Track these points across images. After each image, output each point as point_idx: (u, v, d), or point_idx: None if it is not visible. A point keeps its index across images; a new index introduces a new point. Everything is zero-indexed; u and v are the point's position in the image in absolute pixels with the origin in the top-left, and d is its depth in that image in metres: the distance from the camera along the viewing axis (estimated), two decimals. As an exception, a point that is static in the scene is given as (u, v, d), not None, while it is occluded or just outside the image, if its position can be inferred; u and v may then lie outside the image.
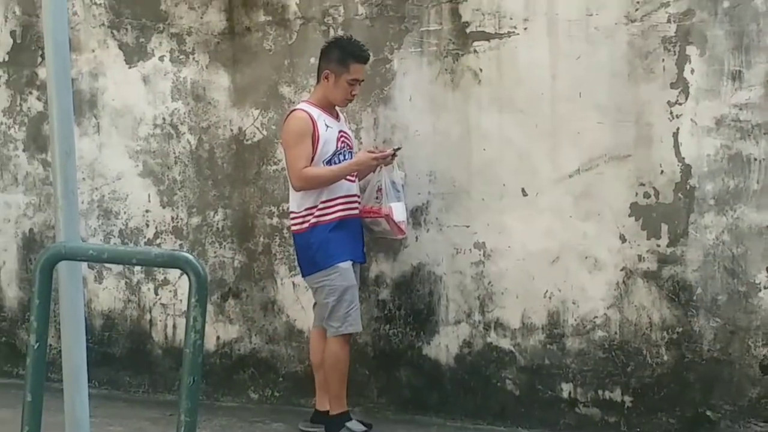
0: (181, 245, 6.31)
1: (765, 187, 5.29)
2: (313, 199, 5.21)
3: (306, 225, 5.23)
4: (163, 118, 6.47)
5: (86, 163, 6.48)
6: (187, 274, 3.68)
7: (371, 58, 5.55)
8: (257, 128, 6.30)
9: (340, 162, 5.27)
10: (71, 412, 4.14)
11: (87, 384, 4.23)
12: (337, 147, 5.28)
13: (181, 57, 6.46)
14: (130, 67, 6.56)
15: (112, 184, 6.53)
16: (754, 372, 5.35)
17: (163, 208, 6.39)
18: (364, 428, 5.40)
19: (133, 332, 6.54)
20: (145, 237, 6.43)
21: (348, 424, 5.35)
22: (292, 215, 5.35)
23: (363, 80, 5.42)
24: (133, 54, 6.54)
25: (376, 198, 5.45)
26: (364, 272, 5.73)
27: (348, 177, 5.33)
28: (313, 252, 5.25)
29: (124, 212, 6.50)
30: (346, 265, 5.24)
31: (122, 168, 6.51)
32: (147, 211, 6.43)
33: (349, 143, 5.43)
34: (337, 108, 5.42)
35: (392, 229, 5.38)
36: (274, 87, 6.20)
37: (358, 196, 5.43)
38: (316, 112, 5.21)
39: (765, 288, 5.30)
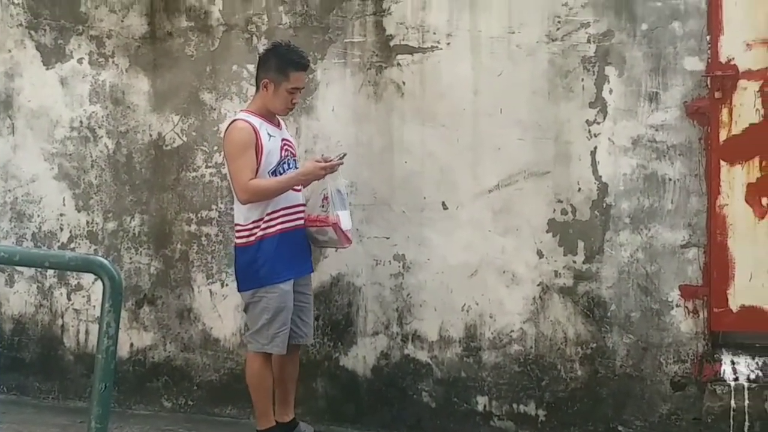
0: (96, 250, 6.22)
1: (679, 207, 5.42)
2: (260, 212, 5.11)
3: (253, 239, 5.12)
4: (81, 121, 6.38)
5: (0, 164, 6.52)
6: (102, 279, 3.61)
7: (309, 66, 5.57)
8: (177, 134, 6.25)
9: (285, 171, 5.19)
10: None
11: None
12: (281, 156, 5.20)
13: (100, 60, 6.40)
14: (47, 69, 6.49)
15: (26, 187, 6.45)
16: (665, 388, 5.46)
17: (79, 212, 6.32)
18: None
19: (44, 337, 6.45)
20: (59, 241, 6.35)
21: None
22: (237, 228, 5.25)
23: (303, 88, 5.38)
24: (51, 55, 6.46)
25: (322, 206, 5.32)
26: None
27: (294, 186, 5.25)
28: (257, 267, 5.13)
29: (38, 215, 6.43)
30: (288, 286, 5.16)
31: (37, 170, 6.45)
32: (62, 214, 6.36)
33: (293, 151, 5.36)
34: (276, 116, 5.35)
35: (339, 238, 5.30)
36: (195, 93, 6.17)
37: (304, 206, 5.38)
38: (257, 122, 5.11)
39: (677, 306, 5.42)
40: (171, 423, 5.88)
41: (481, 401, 5.70)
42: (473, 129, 5.64)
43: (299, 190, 5.28)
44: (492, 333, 5.67)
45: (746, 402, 5.29)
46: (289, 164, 5.22)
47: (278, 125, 5.28)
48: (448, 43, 5.65)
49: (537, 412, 5.60)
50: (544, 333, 5.57)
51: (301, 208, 5.30)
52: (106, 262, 3.86)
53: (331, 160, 5.26)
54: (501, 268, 5.60)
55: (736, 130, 5.38)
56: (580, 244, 5.53)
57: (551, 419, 5.58)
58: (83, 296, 6.35)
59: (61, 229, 6.36)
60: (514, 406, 5.63)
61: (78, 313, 6.36)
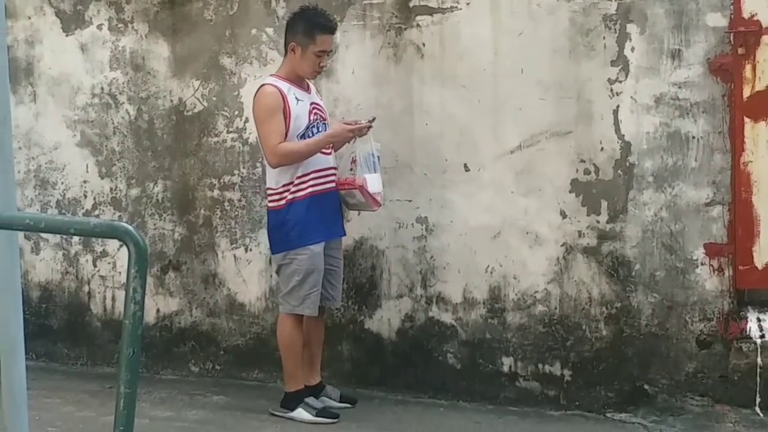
0: (120, 217, 6.28)
1: (702, 165, 5.43)
2: (290, 175, 5.19)
3: (283, 202, 5.21)
4: (102, 88, 6.42)
5: (22, 132, 6.43)
6: (127, 245, 3.62)
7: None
8: (198, 99, 6.28)
9: (314, 135, 5.26)
10: (8, 384, 4.12)
11: (24, 356, 4.26)
12: (309, 120, 5.26)
13: (119, 26, 6.41)
14: (67, 35, 6.49)
15: (49, 154, 6.51)
16: (690, 347, 5.49)
17: (102, 179, 6.38)
18: (321, 406, 5.45)
19: (70, 304, 6.52)
20: (83, 208, 6.42)
21: (308, 400, 5.45)
22: (268, 191, 5.35)
23: (331, 51, 5.43)
24: (71, 22, 6.48)
25: (350, 169, 5.41)
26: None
27: (323, 150, 5.30)
28: (287, 230, 5.22)
29: (62, 182, 6.50)
30: (318, 248, 5.23)
31: (59, 138, 6.49)
32: (85, 181, 6.42)
33: (323, 115, 5.40)
34: (306, 80, 5.39)
35: (367, 200, 5.36)
36: (214, 58, 6.20)
37: (335, 169, 5.43)
38: (285, 86, 5.17)
39: (702, 264, 5.44)
40: (198, 387, 5.94)
41: (507, 362, 5.75)
42: (494, 90, 5.65)
43: (329, 153, 5.33)
44: (516, 294, 5.71)
45: None
46: (318, 128, 5.26)
47: (307, 89, 5.32)
48: (468, 3, 5.63)
49: (562, 372, 5.65)
50: (569, 293, 5.61)
51: (331, 172, 5.36)
52: (130, 228, 3.86)
53: (359, 123, 5.33)
54: (524, 230, 5.62)
55: (760, 86, 5.36)
56: (604, 204, 5.54)
57: (576, 379, 5.63)
58: (109, 263, 6.43)
59: (85, 197, 6.42)
60: (540, 366, 5.68)
61: (104, 280, 6.44)
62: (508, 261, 5.71)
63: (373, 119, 5.30)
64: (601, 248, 5.54)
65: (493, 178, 5.70)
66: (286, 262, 5.20)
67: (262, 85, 5.21)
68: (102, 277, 6.45)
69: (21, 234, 5.47)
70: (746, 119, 5.29)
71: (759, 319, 5.39)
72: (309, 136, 5.20)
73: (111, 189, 6.36)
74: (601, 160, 5.50)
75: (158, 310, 6.30)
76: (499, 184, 5.67)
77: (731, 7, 5.30)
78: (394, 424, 5.40)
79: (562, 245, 5.59)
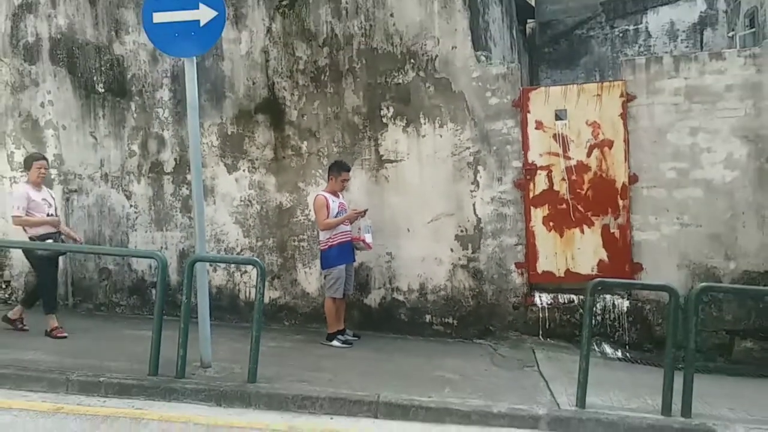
0: (252, 255, 6.41)
1: (513, 227, 6.15)
2: (330, 234, 5.60)
3: (326, 246, 5.63)
4: (242, 199, 6.56)
5: (218, 221, 6.59)
6: (256, 267, 4.62)
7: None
8: (289, 201, 6.53)
9: (340, 216, 5.63)
10: (203, 332, 4.93)
11: (209, 321, 4.85)
12: (339, 210, 5.64)
13: (252, 169, 6.59)
14: (230, 174, 6.63)
15: (220, 227, 6.63)
16: (510, 309, 6.18)
17: (244, 238, 6.56)
18: (344, 338, 5.66)
19: (230, 295, 6.58)
20: (234, 252, 6.56)
21: (339, 336, 5.70)
22: (320, 241, 5.68)
23: (348, 179, 5.83)
24: (231, 168, 6.69)
25: (358, 231, 5.74)
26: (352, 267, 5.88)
27: (345, 223, 5.66)
28: (329, 259, 5.62)
29: (225, 241, 6.61)
30: (342, 267, 5.63)
31: (225, 220, 6.63)
32: (236, 239, 6.58)
33: (345, 207, 5.71)
34: (338, 192, 5.72)
35: (366, 246, 5.75)
36: (295, 183, 6.57)
37: (350, 232, 5.71)
38: (328, 195, 5.64)
39: (514, 272, 6.17)
40: (288, 333, 6.13)
41: (428, 318, 6.29)
42: (420, 195, 6.24)
43: (348, 225, 5.71)
44: (432, 286, 6.29)
45: (546, 314, 6.15)
46: (342, 213, 5.65)
47: (338, 196, 5.74)
48: (408, 155, 6.28)
49: (453, 322, 6.29)
50: (455, 286, 6.29)
51: (348, 233, 5.71)
52: (258, 260, 4.84)
53: (360, 210, 5.77)
54: (435, 257, 6.24)
55: (536, 192, 6.12)
56: (470, 245, 6.25)
57: (459, 324, 6.26)
58: (248, 275, 6.52)
59: (237, 247, 6.58)
60: (443, 319, 6.31)
61: (245, 284, 6.61)
62: (428, 271, 6.32)
63: (366, 210, 5.80)
64: (469, 265, 6.26)
65: (420, 233, 6.29)
66: (329, 273, 5.64)
67: (317, 195, 5.70)
68: (245, 282, 6.61)
69: (208, 264, 5.65)
70: (532, 207, 6.15)
71: (539, 296, 6.15)
72: (338, 216, 5.60)
73: (248, 243, 6.54)
74: (468, 225, 6.27)
75: (270, 297, 6.38)
76: (424, 236, 6.28)
77: (522, 157, 6.17)
78: (380, 345, 5.79)
79: (452, 264, 6.30)
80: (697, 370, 4.22)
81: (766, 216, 5.74)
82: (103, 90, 7.12)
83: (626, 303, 5.98)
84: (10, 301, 7.23)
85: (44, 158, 6.03)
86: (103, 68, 7.12)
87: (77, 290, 7.16)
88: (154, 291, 6.01)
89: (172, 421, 3.93)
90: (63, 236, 5.95)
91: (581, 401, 4.32)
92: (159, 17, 4.69)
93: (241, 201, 6.63)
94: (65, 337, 5.55)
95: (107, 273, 7.10)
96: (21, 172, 6.99)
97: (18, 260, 7.28)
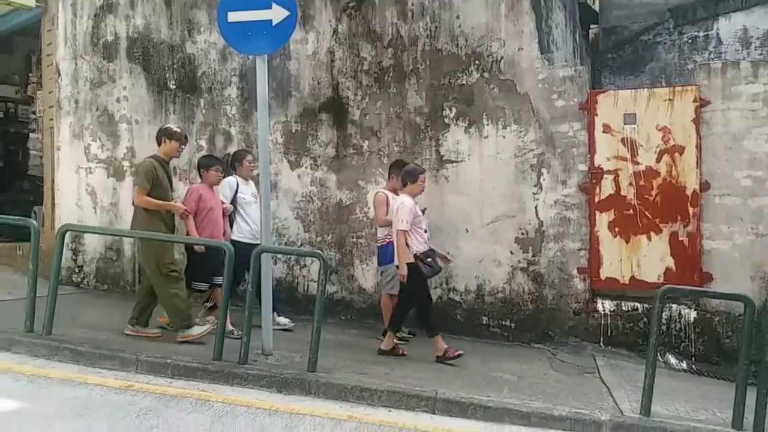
0: (312, 249, 6.37)
1: (576, 232, 6.08)
2: (388, 230, 5.47)
3: (384, 242, 5.57)
4: (304, 195, 6.65)
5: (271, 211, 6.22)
6: (319, 260, 4.69)
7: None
8: (348, 199, 6.63)
9: None
10: (266, 321, 5.02)
11: (272, 310, 4.97)
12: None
13: (314, 166, 6.68)
14: (292, 171, 6.71)
15: (286, 221, 6.67)
16: (571, 314, 6.07)
17: (305, 232, 6.66)
18: (401, 340, 5.45)
19: (288, 288, 6.64)
20: (295, 245, 6.65)
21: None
22: (377, 238, 5.68)
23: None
24: (294, 165, 6.72)
25: None
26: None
27: None
28: (387, 257, 5.51)
29: (286, 235, 6.72)
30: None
31: (287, 215, 6.66)
32: (297, 234, 6.68)
33: None
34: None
35: None
36: (355, 180, 6.65)
37: None
38: (388, 193, 5.60)
39: (575, 277, 6.06)
40: (345, 327, 6.22)
41: (484, 319, 6.23)
42: (480, 195, 6.24)
43: None
44: (489, 288, 6.22)
45: (608, 321, 6.01)
46: None
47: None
48: (469, 156, 6.29)
49: (510, 324, 6.18)
50: (514, 289, 6.21)
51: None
52: (320, 252, 4.91)
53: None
54: (493, 259, 6.20)
55: (602, 196, 5.98)
56: (530, 249, 6.16)
57: (517, 328, 6.17)
58: (308, 269, 6.64)
59: (297, 241, 6.68)
60: (500, 321, 6.24)
61: (305, 277, 6.71)
62: (486, 273, 6.27)
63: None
64: (529, 268, 6.18)
65: (480, 234, 6.27)
66: (385, 270, 5.57)
67: (377, 192, 5.70)
68: (304, 276, 6.72)
69: (272, 255, 5.33)
70: (597, 212, 6.06)
71: (602, 303, 6.02)
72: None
73: (308, 237, 6.65)
74: (529, 228, 6.20)
75: (327, 291, 5.94)
76: (483, 238, 6.25)
77: (588, 160, 6.08)
78: (433, 343, 5.46)
79: (511, 266, 6.22)
80: (769, 385, 4.01)
81: None
82: (174, 87, 7.42)
83: (693, 313, 5.80)
84: (82, 285, 7.58)
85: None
86: (175, 66, 7.42)
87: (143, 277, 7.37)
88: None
89: (235, 404, 4.01)
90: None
91: (646, 409, 4.20)
92: (233, 16, 4.82)
93: (302, 197, 6.73)
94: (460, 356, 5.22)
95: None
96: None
97: (91, 246, 7.65)
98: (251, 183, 5.80)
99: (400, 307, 5.25)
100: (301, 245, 6.68)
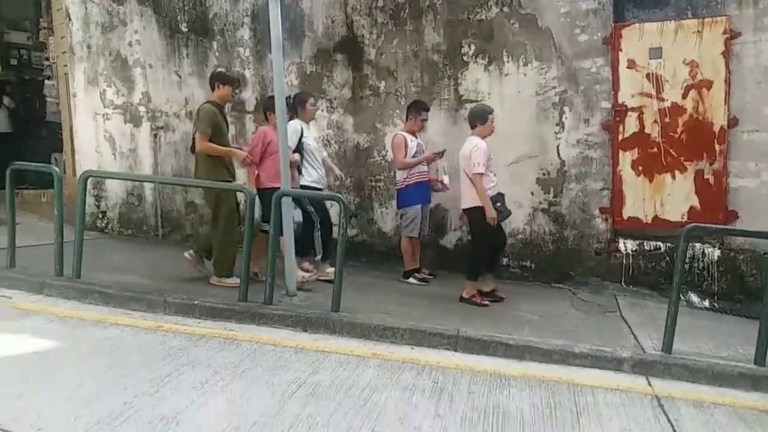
0: (335, 192, 6.24)
1: (598, 171, 5.95)
2: (407, 173, 5.54)
3: (403, 185, 5.58)
4: (321, 137, 6.47)
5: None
6: (339, 204, 4.65)
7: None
8: (366, 141, 6.48)
9: (417, 156, 5.52)
10: (288, 263, 5.10)
11: (294, 252, 5.00)
12: (416, 150, 5.56)
13: (330, 109, 6.53)
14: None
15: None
16: (592, 254, 6.05)
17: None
18: (420, 276, 5.64)
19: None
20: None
21: (415, 274, 5.73)
22: (397, 181, 5.62)
23: (426, 119, 5.69)
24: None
25: (436, 172, 5.70)
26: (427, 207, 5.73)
27: (422, 164, 5.57)
28: (406, 200, 5.57)
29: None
30: (418, 206, 5.55)
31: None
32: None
33: (423, 148, 5.61)
34: (416, 132, 5.59)
35: (443, 188, 5.65)
36: (372, 123, 6.42)
37: (427, 173, 5.63)
38: (407, 135, 5.55)
39: (597, 217, 6.01)
40: (364, 269, 6.05)
41: (505, 260, 6.15)
42: (501, 135, 5.89)
43: (425, 165, 5.62)
44: (510, 229, 6.08)
45: (630, 261, 5.98)
46: (419, 154, 5.56)
47: (416, 136, 5.64)
48: (489, 95, 6.12)
49: (531, 265, 6.22)
50: (535, 230, 6.17)
51: (425, 173, 5.61)
52: (340, 195, 4.89)
53: (438, 152, 5.66)
54: (514, 200, 5.91)
55: (626, 135, 5.85)
56: (551, 189, 6.07)
57: (537, 268, 6.17)
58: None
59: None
60: (520, 262, 6.23)
61: None
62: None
63: (444, 151, 5.67)
64: (550, 209, 6.13)
65: (500, 175, 5.87)
66: (404, 212, 5.60)
67: (396, 134, 5.63)
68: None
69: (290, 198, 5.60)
70: (620, 150, 5.95)
71: (624, 243, 5.97)
72: (416, 156, 5.50)
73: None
74: (551, 168, 6.10)
75: (348, 234, 5.50)
76: (503, 179, 5.97)
77: (612, 97, 5.91)
78: (456, 285, 5.49)
79: (532, 207, 6.16)
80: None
81: None
82: (186, 29, 7.27)
83: (717, 252, 5.74)
84: (106, 231, 7.70)
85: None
86: (186, 8, 7.25)
87: (166, 222, 7.51)
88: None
89: (262, 342, 4.11)
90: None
91: (668, 346, 4.23)
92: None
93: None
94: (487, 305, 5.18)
95: (193, 206, 7.40)
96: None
97: (113, 192, 7.72)
98: (313, 126, 5.70)
99: (475, 253, 5.18)
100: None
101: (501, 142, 6.01)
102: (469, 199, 5.02)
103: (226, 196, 5.04)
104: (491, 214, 4.87)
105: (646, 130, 5.79)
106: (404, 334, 4.41)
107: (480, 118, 5.08)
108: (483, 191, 4.90)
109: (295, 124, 5.35)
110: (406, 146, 5.50)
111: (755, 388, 3.94)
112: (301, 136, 5.35)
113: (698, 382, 4.00)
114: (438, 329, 4.42)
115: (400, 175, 5.62)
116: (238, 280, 4.89)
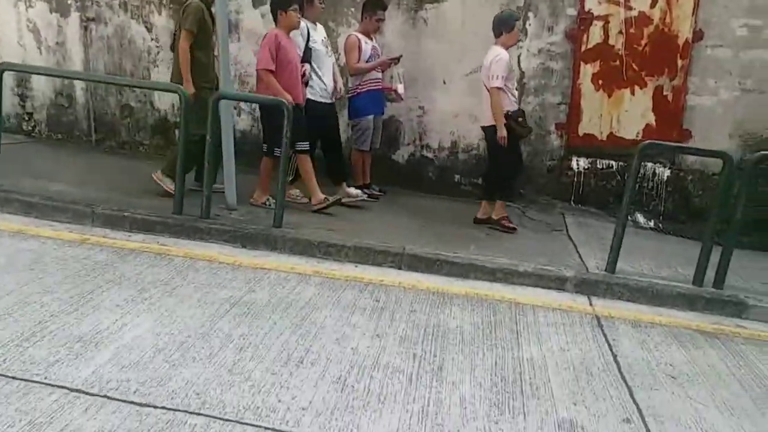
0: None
1: (558, 84, 5.77)
2: (360, 80, 5.16)
3: (355, 93, 5.19)
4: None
5: (232, 56, 5.63)
6: (285, 110, 4.28)
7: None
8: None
9: (372, 62, 5.13)
10: (227, 173, 4.82)
11: (234, 161, 4.62)
12: (371, 54, 5.15)
13: None
14: (256, 8, 6.01)
15: (246, 68, 6.16)
16: (545, 172, 5.96)
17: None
18: (370, 197, 5.27)
19: (254, 141, 5.99)
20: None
21: (364, 190, 5.35)
22: (349, 88, 5.28)
23: (383, 19, 5.28)
24: (257, 2, 5.95)
25: (390, 80, 5.34)
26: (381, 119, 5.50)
27: (376, 70, 5.17)
28: (358, 110, 5.20)
29: (250, 84, 6.08)
30: (370, 117, 5.20)
31: (251, 60, 5.95)
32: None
33: (378, 52, 5.22)
34: (371, 34, 5.18)
35: (397, 97, 5.37)
36: (326, 23, 5.90)
37: (381, 80, 5.27)
38: (361, 36, 5.14)
39: (553, 133, 5.87)
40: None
41: (457, 177, 6.09)
42: (461, 43, 5.75)
43: (380, 72, 5.24)
44: (464, 145, 6.03)
45: (581, 179, 5.92)
46: (374, 58, 5.18)
47: (371, 39, 5.23)
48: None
49: (483, 183, 5.93)
50: None
51: (379, 81, 5.27)
52: (284, 101, 4.46)
53: (393, 57, 5.32)
54: (469, 113, 5.90)
55: (589, 45, 5.67)
56: None
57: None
58: None
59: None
60: (472, 179, 6.11)
61: None
62: (462, 129, 6.00)
63: (401, 56, 5.36)
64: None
65: (457, 87, 5.89)
66: (355, 123, 5.28)
67: (349, 35, 5.20)
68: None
69: (233, 103, 5.06)
70: (581, 62, 5.74)
71: (577, 160, 5.88)
72: (370, 61, 5.11)
73: None
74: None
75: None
76: (461, 90, 5.89)
77: (579, 3, 5.62)
78: (406, 202, 5.61)
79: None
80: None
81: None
82: None
83: (667, 172, 5.70)
84: (33, 134, 7.15)
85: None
86: None
87: (99, 126, 7.00)
88: (178, 132, 5.76)
89: (196, 258, 3.85)
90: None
91: (611, 266, 4.21)
92: None
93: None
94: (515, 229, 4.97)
95: (129, 110, 6.89)
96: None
97: (39, 91, 7.09)
98: (320, 27, 5.09)
99: (498, 174, 4.87)
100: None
101: (461, 50, 5.75)
102: (489, 115, 4.64)
103: (202, 100, 4.47)
104: (502, 133, 4.55)
105: (610, 41, 5.56)
106: (348, 251, 4.26)
107: (506, 26, 4.64)
108: (499, 107, 4.54)
109: (301, 24, 4.70)
110: (359, 49, 5.12)
111: (691, 308, 4.00)
112: (308, 39, 4.76)
113: (638, 302, 4.03)
114: (383, 246, 4.29)
115: (352, 82, 5.29)
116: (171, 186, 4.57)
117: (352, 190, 5.27)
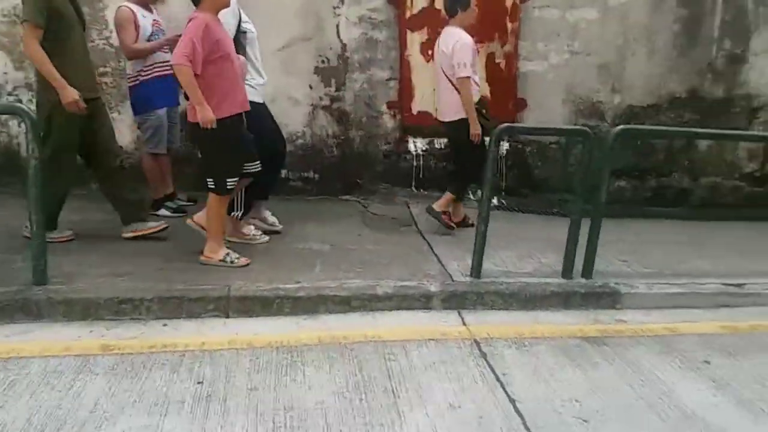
0: (30, 96, 4.92)
1: (385, 57, 5.30)
2: (142, 64, 4.28)
3: (136, 82, 4.31)
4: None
5: None
6: (24, 120, 3.14)
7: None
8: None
9: (155, 40, 4.32)
10: None
11: None
12: (152, 30, 4.32)
13: None
14: None
15: None
16: (380, 158, 5.49)
17: (15, 69, 4.99)
18: (177, 211, 4.55)
19: (5, 153, 5.16)
20: (4, 91, 5.01)
21: (168, 203, 4.64)
22: (128, 76, 4.38)
23: None
24: None
25: None
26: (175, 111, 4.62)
27: (162, 50, 4.33)
28: (144, 102, 4.35)
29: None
30: (161, 111, 4.37)
31: None
32: (5, 75, 5.02)
33: (161, 27, 4.40)
34: (149, 4, 4.35)
35: None
36: None
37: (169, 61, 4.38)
38: (135, 7, 4.23)
39: (385, 113, 5.40)
40: (93, 200, 4.54)
41: (283, 172, 5.32)
42: (270, 15, 4.94)
43: (167, 52, 4.34)
44: (286, 134, 5.10)
45: (420, 162, 5.49)
46: (158, 36, 4.34)
47: (150, 10, 4.38)
48: None
49: (314, 176, 5.47)
50: (316, 132, 5.40)
51: (168, 63, 4.27)
52: (23, 107, 3.27)
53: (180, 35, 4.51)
54: (288, 96, 5.26)
55: (413, 12, 5.27)
56: (333, 81, 5.29)
57: (322, 179, 5.47)
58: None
59: (8, 84, 5.02)
60: (301, 173, 5.46)
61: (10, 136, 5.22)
62: (281, 114, 5.09)
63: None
64: (333, 105, 5.35)
65: (270, 65, 4.88)
66: (142, 121, 4.39)
67: (120, 6, 4.24)
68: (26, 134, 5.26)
69: None
70: (408, 31, 5.25)
71: (414, 142, 5.48)
72: (152, 40, 4.29)
73: (23, 78, 5.03)
74: (331, 54, 5.24)
75: None
76: (274, 69, 4.97)
77: None
78: None
79: (311, 104, 5.32)
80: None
81: (656, 43, 5.18)
82: None
83: (506, 145, 5.44)
84: None
85: None
86: None
87: None
88: None
89: None
90: None
91: (476, 270, 3.64)
92: None
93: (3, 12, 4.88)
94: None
95: None
96: None
97: None
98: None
99: (464, 172, 4.26)
100: (14, 89, 5.01)
101: (269, 21, 4.90)
102: (453, 109, 4.04)
103: (62, 117, 3.51)
104: (476, 129, 3.98)
105: (437, 5, 5.05)
106: (151, 305, 3.12)
107: (460, 2, 3.98)
108: (470, 99, 3.97)
109: (232, 2, 3.51)
110: (136, 24, 4.21)
111: (567, 306, 3.62)
112: (240, 20, 3.67)
113: (512, 308, 3.55)
114: (200, 290, 3.20)
115: (131, 67, 4.34)
116: (70, 232, 3.80)
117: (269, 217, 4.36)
